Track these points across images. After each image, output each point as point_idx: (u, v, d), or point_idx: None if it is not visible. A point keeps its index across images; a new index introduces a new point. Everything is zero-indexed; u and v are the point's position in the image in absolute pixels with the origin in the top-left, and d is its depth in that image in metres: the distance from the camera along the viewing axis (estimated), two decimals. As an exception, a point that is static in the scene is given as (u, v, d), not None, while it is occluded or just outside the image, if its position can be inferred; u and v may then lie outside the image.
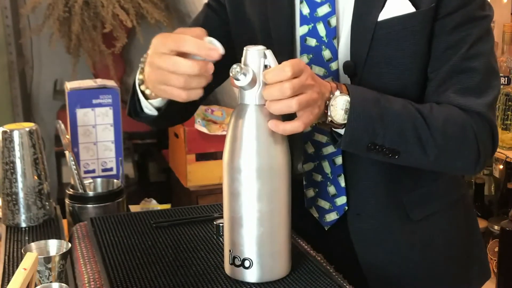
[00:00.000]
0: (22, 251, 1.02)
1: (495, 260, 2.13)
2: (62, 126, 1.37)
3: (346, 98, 0.99)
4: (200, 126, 2.34)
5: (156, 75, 0.95)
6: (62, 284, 0.91)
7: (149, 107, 1.09)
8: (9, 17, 2.84)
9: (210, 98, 2.98)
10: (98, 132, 1.54)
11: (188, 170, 2.35)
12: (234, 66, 0.91)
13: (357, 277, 1.10)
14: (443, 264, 1.20)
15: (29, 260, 0.88)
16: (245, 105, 0.93)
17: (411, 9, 1.05)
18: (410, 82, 1.09)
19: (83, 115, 1.53)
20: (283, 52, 1.13)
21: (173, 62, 0.92)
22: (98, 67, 2.76)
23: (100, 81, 1.57)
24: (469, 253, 1.26)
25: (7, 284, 0.86)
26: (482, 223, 2.19)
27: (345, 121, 0.99)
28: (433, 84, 1.09)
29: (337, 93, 0.99)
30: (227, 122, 0.99)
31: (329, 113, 0.99)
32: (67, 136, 1.39)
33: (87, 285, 0.97)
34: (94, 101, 1.53)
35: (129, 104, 1.15)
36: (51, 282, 0.99)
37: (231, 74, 0.92)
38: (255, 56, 0.92)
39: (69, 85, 1.54)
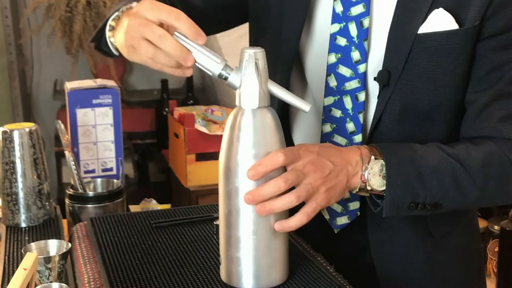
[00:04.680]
0: (22, 251, 1.02)
1: (495, 260, 2.13)
2: (62, 126, 1.37)
3: (381, 162, 0.98)
4: (200, 126, 2.34)
5: (132, 39, 0.94)
6: (62, 284, 0.91)
7: (111, 49, 1.08)
8: (9, 17, 2.83)
9: (210, 98, 2.99)
10: (98, 132, 1.54)
11: (188, 170, 2.35)
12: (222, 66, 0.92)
13: (368, 283, 1.10)
14: (460, 283, 1.20)
15: (29, 260, 0.88)
16: (242, 108, 0.92)
17: (454, 25, 1.02)
18: (445, 100, 1.07)
19: (83, 115, 1.52)
20: (289, 54, 1.12)
21: (158, 36, 0.91)
22: (98, 67, 2.76)
23: (100, 81, 1.57)
24: (480, 271, 1.26)
25: (7, 284, 0.86)
26: (482, 223, 2.19)
27: (384, 188, 0.98)
28: (475, 107, 1.06)
29: (372, 158, 0.98)
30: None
31: (367, 183, 0.98)
32: (67, 136, 1.39)
33: (87, 285, 0.97)
34: (94, 101, 1.52)
35: (96, 33, 1.13)
36: (51, 282, 0.99)
37: (216, 73, 0.92)
38: (248, 57, 0.90)
39: (69, 85, 1.54)
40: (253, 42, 1.24)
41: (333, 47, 1.09)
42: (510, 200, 1.10)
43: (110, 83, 1.57)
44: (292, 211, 0.93)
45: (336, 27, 1.08)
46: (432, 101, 1.06)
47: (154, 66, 0.94)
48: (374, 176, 0.98)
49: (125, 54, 1.00)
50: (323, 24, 1.11)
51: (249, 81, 0.91)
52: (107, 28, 1.06)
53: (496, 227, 2.15)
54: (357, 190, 0.99)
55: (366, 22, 1.07)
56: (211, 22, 1.25)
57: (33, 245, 1.03)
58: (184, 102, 2.85)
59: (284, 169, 0.92)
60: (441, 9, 1.02)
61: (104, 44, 1.10)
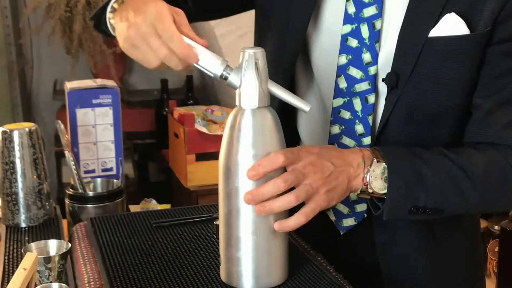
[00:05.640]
0: (22, 251, 1.02)
1: (495, 260, 2.13)
2: (62, 126, 1.37)
3: (383, 165, 0.98)
4: (200, 126, 2.34)
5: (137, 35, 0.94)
6: (62, 284, 0.91)
7: (110, 30, 1.08)
8: (9, 17, 2.83)
9: (210, 98, 2.98)
10: (98, 132, 1.54)
11: (188, 170, 2.35)
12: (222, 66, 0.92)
13: (373, 284, 1.10)
14: (462, 284, 1.20)
15: (29, 260, 0.88)
16: (242, 108, 0.92)
17: (465, 30, 1.01)
18: (452, 103, 1.06)
19: (83, 115, 1.52)
20: (293, 47, 1.12)
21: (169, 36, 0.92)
22: (98, 67, 2.76)
23: (100, 81, 1.57)
24: (481, 272, 1.26)
25: (7, 284, 0.86)
26: (482, 223, 2.18)
27: (385, 191, 0.98)
28: (481, 112, 1.06)
29: (374, 161, 0.98)
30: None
31: (369, 186, 0.98)
32: (67, 136, 1.38)
33: (87, 285, 0.97)
34: (94, 101, 1.52)
35: (96, 12, 1.14)
36: (51, 282, 0.99)
37: (218, 74, 0.92)
38: (248, 57, 0.90)
39: (69, 85, 1.54)
40: (258, 36, 1.24)
41: (344, 48, 1.09)
42: (511, 207, 1.10)
43: (110, 83, 1.57)
44: (292, 212, 0.93)
45: (348, 28, 1.08)
46: (439, 104, 1.05)
47: (150, 66, 0.95)
48: (376, 179, 0.98)
49: (121, 45, 1.00)
50: (333, 24, 1.10)
51: (248, 81, 0.91)
52: (108, 9, 1.06)
53: (496, 227, 2.14)
54: (358, 192, 0.99)
55: (378, 24, 1.06)
56: (216, 8, 1.26)
57: (33, 245, 1.03)
58: (184, 102, 2.85)
59: (284, 169, 0.92)
60: (453, 14, 1.01)
61: (103, 23, 1.10)
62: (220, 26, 2.58)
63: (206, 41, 0.95)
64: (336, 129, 1.12)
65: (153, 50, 0.93)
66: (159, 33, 0.92)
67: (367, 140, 1.10)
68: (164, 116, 2.76)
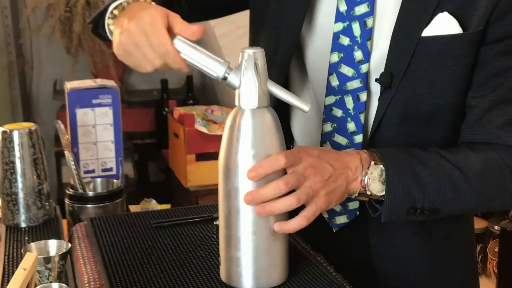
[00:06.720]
0: (22, 251, 1.02)
1: (495, 260, 2.13)
2: (62, 126, 1.37)
3: (381, 167, 0.98)
4: (200, 126, 2.34)
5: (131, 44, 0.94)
6: (62, 284, 0.91)
7: (108, 35, 1.08)
8: (8, 17, 2.84)
9: (210, 98, 2.99)
10: (98, 132, 1.54)
11: (188, 170, 2.35)
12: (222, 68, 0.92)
13: (369, 283, 1.10)
14: (457, 284, 1.20)
15: (28, 260, 0.88)
16: (242, 108, 0.91)
17: (458, 29, 1.01)
18: (446, 104, 1.06)
19: (83, 115, 1.52)
20: (287, 46, 1.12)
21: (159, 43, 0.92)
22: (98, 67, 2.76)
23: (100, 81, 1.57)
24: (475, 272, 1.27)
25: (7, 284, 0.86)
26: (482, 223, 2.19)
27: (383, 193, 0.98)
28: (476, 112, 1.06)
29: (372, 164, 0.98)
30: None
31: (367, 188, 0.98)
32: (67, 136, 1.38)
33: (87, 285, 0.97)
34: (94, 101, 1.52)
35: (94, 16, 1.14)
36: (50, 282, 0.99)
37: (220, 76, 0.92)
38: (247, 57, 0.90)
39: (69, 85, 1.54)
40: (253, 35, 1.24)
41: (336, 46, 1.09)
42: (508, 206, 1.10)
43: (110, 83, 1.57)
44: (291, 212, 0.93)
45: (340, 26, 1.08)
46: (433, 104, 1.05)
47: (144, 71, 0.96)
48: (374, 181, 0.98)
49: (115, 51, 0.99)
50: (325, 22, 1.10)
51: (248, 81, 0.91)
52: (108, 15, 1.06)
53: (496, 227, 2.14)
54: (356, 195, 0.99)
55: (369, 22, 1.06)
56: (211, 8, 1.27)
57: (33, 245, 1.03)
58: (184, 102, 2.85)
59: (283, 171, 0.92)
60: (445, 13, 1.01)
61: (101, 28, 1.10)
62: (220, 26, 2.58)
63: (202, 27, 0.94)
64: (328, 127, 1.12)
65: (148, 61, 0.94)
66: (152, 44, 0.92)
67: (358, 138, 1.10)
68: (164, 116, 2.76)
